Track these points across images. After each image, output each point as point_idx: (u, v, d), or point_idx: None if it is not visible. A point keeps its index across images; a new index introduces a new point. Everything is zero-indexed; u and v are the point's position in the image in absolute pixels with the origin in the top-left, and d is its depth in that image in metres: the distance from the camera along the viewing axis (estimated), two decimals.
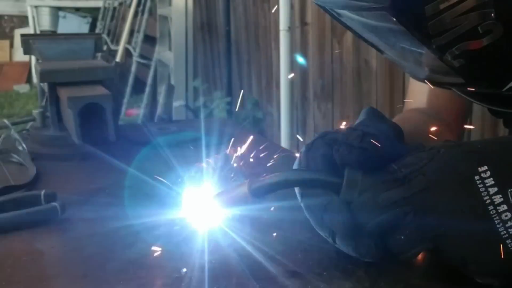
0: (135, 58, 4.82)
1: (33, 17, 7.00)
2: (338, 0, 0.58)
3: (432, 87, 0.89)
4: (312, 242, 0.67)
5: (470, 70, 0.57)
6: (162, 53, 4.58)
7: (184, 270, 0.61)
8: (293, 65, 2.75)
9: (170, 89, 4.32)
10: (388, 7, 0.52)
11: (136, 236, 0.71)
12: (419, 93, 0.94)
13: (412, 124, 0.86)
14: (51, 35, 1.45)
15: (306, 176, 0.59)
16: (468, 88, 0.63)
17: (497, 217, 0.51)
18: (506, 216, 0.51)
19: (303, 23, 2.69)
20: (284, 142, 2.73)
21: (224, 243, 0.68)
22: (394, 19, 0.53)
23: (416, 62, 0.63)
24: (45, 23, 6.95)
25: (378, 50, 0.68)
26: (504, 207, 0.51)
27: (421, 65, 0.62)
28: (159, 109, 4.22)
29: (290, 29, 2.67)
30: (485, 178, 0.52)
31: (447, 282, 0.59)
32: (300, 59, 2.71)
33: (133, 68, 4.79)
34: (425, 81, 0.64)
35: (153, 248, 0.66)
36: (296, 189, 0.61)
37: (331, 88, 2.50)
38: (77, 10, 7.20)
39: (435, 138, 0.82)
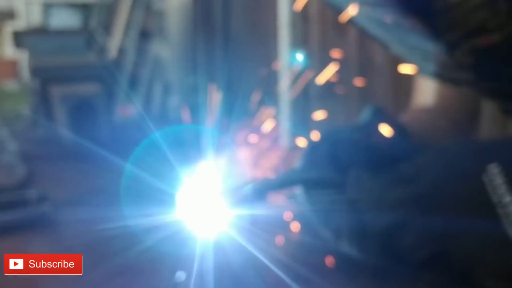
0: (130, 54, 4.82)
1: (24, 12, 6.99)
2: None
3: (439, 84, 0.90)
4: (314, 248, 0.67)
5: (481, 66, 0.57)
6: (158, 49, 4.58)
7: (181, 274, 0.61)
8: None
9: (167, 86, 4.32)
10: (398, 2, 0.52)
11: (133, 238, 0.71)
12: (426, 91, 0.94)
13: (419, 123, 0.86)
14: (42, 30, 1.45)
15: (311, 176, 0.59)
16: (479, 84, 0.63)
17: (505, 217, 0.51)
18: None
19: (305, 18, 2.69)
20: (284, 140, 2.72)
21: (227, 246, 0.68)
22: (404, 14, 0.53)
23: (425, 57, 0.63)
24: (37, 18, 6.95)
25: (384, 45, 0.68)
26: None
27: (430, 61, 0.63)
28: (155, 106, 4.22)
29: (292, 23, 2.67)
30: (494, 178, 0.52)
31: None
32: (299, 57, 2.70)
33: (128, 64, 4.79)
34: (435, 77, 0.64)
35: (151, 252, 0.66)
36: (300, 189, 0.61)
37: (334, 85, 2.50)
38: (70, 5, 7.20)
39: (443, 137, 0.82)
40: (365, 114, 0.68)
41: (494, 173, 0.52)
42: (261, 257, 0.65)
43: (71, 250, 0.70)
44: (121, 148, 1.11)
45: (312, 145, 0.61)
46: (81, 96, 1.01)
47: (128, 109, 5.00)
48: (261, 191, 0.60)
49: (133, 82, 4.90)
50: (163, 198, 0.75)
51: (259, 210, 0.71)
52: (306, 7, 2.66)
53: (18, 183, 0.91)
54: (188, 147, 1.06)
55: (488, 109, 0.99)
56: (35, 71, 1.07)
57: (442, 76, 0.64)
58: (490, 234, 0.52)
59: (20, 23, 6.93)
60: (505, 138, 0.77)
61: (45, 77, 1.09)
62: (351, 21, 0.65)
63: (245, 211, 0.68)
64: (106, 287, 0.60)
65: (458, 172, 0.54)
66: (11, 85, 6.79)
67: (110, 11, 5.87)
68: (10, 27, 6.35)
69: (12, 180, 0.92)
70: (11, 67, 7.04)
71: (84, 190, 0.88)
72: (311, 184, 0.59)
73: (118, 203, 0.81)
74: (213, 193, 0.69)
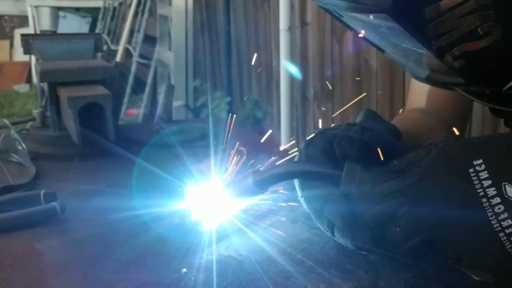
0: (135, 58, 4.82)
1: (33, 17, 6.99)
2: (339, 3, 0.59)
3: (432, 86, 0.90)
4: (312, 242, 0.67)
5: (470, 70, 0.57)
6: (162, 53, 4.58)
7: (184, 270, 0.61)
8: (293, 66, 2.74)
9: (170, 89, 4.31)
10: (389, 10, 0.52)
11: (136, 236, 0.71)
12: (419, 93, 0.94)
13: (412, 124, 0.86)
14: (51, 35, 1.45)
15: (307, 168, 0.60)
16: (468, 88, 0.64)
17: (490, 210, 0.51)
18: (499, 208, 0.51)
19: (303, 23, 2.69)
20: (284, 142, 2.73)
21: (231, 235, 0.70)
22: (395, 21, 0.53)
23: (417, 61, 0.63)
24: (45, 23, 6.94)
25: (379, 49, 0.68)
26: (498, 199, 0.51)
27: (422, 65, 0.63)
28: (159, 109, 4.21)
29: (290, 29, 2.67)
30: (480, 171, 0.52)
31: (446, 282, 0.59)
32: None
33: (133, 68, 4.79)
34: (426, 80, 0.65)
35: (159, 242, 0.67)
36: (296, 182, 0.63)
37: (331, 87, 2.50)
38: (77, 10, 7.20)
39: (435, 137, 0.82)
40: (359, 117, 0.69)
41: (480, 167, 0.52)
42: (255, 255, 0.65)
43: (80, 242, 0.70)
44: (126, 148, 1.12)
45: (308, 142, 0.63)
46: (89, 98, 1.01)
47: (134, 111, 4.98)
48: (262, 182, 0.62)
49: (138, 85, 4.89)
50: (172, 190, 0.77)
51: (261, 201, 0.73)
52: (304, 12, 2.66)
53: (28, 181, 0.91)
54: (194, 144, 1.08)
55: (479, 111, 0.99)
56: (44, 74, 1.08)
57: (434, 79, 0.64)
58: (474, 225, 0.52)
59: (30, 28, 6.93)
60: (493, 135, 0.77)
61: (54, 80, 1.09)
62: (347, 25, 0.66)
63: (248, 202, 0.70)
64: (110, 283, 0.60)
65: (446, 165, 0.54)
66: (22, 88, 6.80)
67: (116, 16, 5.86)
68: (21, 32, 6.35)
69: (23, 179, 0.92)
70: (22, 70, 7.05)
71: (90, 189, 0.88)
72: (308, 176, 0.60)
73: (122, 202, 0.81)
74: (218, 184, 0.71)
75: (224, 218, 0.71)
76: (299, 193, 0.62)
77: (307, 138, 0.64)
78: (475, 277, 0.56)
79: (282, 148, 0.94)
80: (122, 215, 0.78)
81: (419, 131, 0.82)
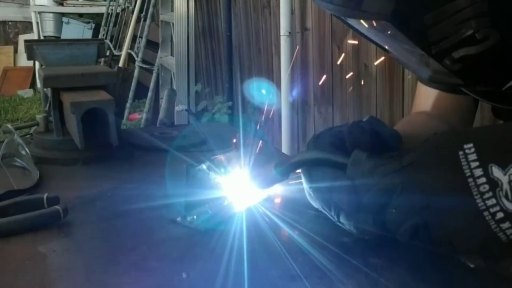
0: (138, 63, 4.82)
1: (37, 23, 7.01)
2: (343, 10, 0.60)
3: (436, 90, 0.92)
4: (312, 245, 0.67)
5: (468, 73, 0.58)
6: (164, 58, 4.59)
7: (184, 275, 0.61)
8: (293, 71, 2.75)
9: (172, 94, 4.32)
10: (389, 17, 0.54)
11: (139, 239, 0.71)
12: (425, 97, 0.95)
13: (416, 126, 0.88)
14: (54, 40, 1.45)
15: (320, 156, 0.64)
16: (468, 88, 0.65)
17: (476, 189, 0.51)
18: (484, 188, 0.51)
19: (304, 28, 2.69)
20: (284, 146, 2.73)
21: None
22: (396, 28, 0.55)
23: (420, 62, 0.65)
24: (49, 29, 6.97)
25: (383, 48, 0.70)
26: (483, 179, 0.51)
27: (424, 66, 0.64)
28: (161, 114, 4.21)
29: (291, 34, 2.67)
30: (469, 154, 0.53)
31: (447, 286, 0.59)
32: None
33: (136, 73, 4.79)
34: (429, 81, 0.67)
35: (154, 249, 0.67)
36: (303, 174, 0.66)
37: (331, 92, 2.50)
38: (80, 16, 7.21)
39: None
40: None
41: (470, 150, 0.53)
42: (255, 258, 0.65)
43: (83, 245, 0.70)
44: (129, 153, 1.12)
45: (316, 136, 0.67)
46: (91, 104, 1.01)
47: (137, 116, 4.98)
48: (283, 171, 0.67)
49: (141, 90, 4.90)
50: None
51: (284, 188, 0.78)
52: (304, 17, 2.66)
53: (31, 186, 0.91)
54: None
55: (478, 114, 1.00)
56: (47, 80, 1.08)
57: (437, 80, 0.66)
58: (461, 205, 0.53)
59: (34, 34, 6.96)
60: (487, 126, 0.79)
61: (57, 86, 1.09)
62: (352, 27, 0.67)
63: (272, 190, 0.76)
64: (113, 286, 0.59)
65: (438, 149, 0.55)
66: (25, 93, 6.81)
67: (119, 22, 5.87)
68: (24, 37, 6.37)
69: (26, 183, 0.92)
70: (26, 76, 7.06)
71: (93, 193, 0.88)
72: (320, 163, 0.63)
73: (124, 206, 0.81)
74: (245, 174, 0.77)
75: (252, 201, 0.76)
76: (306, 184, 0.65)
77: (315, 134, 0.67)
78: (470, 265, 0.56)
79: (283, 151, 0.97)
80: (125, 218, 0.78)
81: (423, 134, 0.83)
